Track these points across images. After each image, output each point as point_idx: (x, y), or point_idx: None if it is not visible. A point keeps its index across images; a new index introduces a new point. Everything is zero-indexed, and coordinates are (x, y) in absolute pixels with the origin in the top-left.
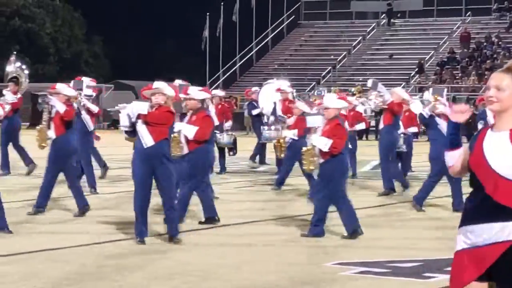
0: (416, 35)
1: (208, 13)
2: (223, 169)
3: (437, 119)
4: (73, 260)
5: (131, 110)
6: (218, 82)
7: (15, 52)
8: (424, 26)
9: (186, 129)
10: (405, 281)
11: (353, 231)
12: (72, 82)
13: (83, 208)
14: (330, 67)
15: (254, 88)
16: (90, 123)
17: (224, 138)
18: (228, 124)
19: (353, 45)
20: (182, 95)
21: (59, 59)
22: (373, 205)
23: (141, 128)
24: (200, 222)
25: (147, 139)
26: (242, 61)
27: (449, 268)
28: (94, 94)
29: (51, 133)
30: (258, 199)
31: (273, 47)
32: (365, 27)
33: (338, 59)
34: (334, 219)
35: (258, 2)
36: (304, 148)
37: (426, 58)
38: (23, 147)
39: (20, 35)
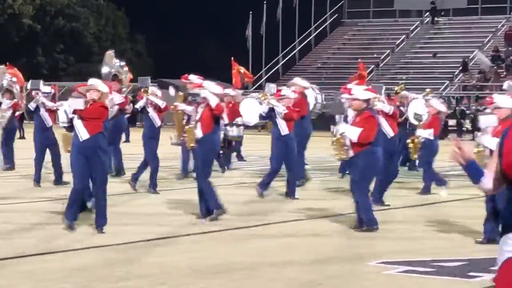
0: (460, 33)
1: (251, 12)
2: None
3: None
4: (117, 256)
5: (67, 106)
6: (261, 81)
7: (112, 50)
8: (468, 24)
9: (349, 131)
10: (449, 280)
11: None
12: (30, 82)
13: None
14: (373, 66)
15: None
16: (49, 120)
17: (234, 131)
18: (239, 119)
19: (396, 43)
20: (346, 96)
21: (103, 58)
22: (416, 204)
23: (77, 122)
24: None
25: (82, 133)
26: (285, 59)
27: (494, 268)
28: (53, 91)
29: (199, 133)
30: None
31: (316, 46)
32: (408, 25)
33: (382, 58)
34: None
35: (301, 0)
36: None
37: (470, 57)
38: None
39: (64, 34)
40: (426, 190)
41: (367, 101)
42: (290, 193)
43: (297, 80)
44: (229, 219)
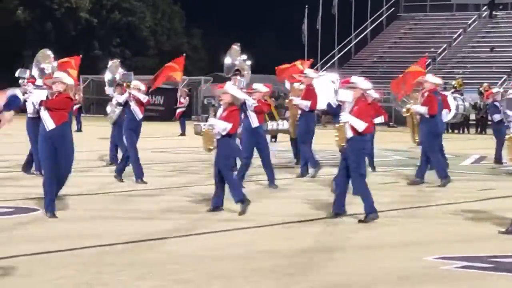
0: None
1: (307, 6)
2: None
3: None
4: (172, 250)
5: (34, 98)
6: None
7: (238, 44)
8: None
9: None
10: (508, 276)
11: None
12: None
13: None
14: (430, 60)
15: (495, 90)
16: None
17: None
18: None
19: (453, 37)
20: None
21: (159, 52)
22: (473, 199)
23: (44, 113)
24: None
25: (49, 123)
26: (341, 54)
27: None
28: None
29: (349, 132)
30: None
31: (372, 40)
32: (466, 19)
33: (438, 52)
34: (431, 216)
35: None
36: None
37: None
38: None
39: (120, 28)
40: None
41: None
42: (271, 182)
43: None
44: (281, 212)
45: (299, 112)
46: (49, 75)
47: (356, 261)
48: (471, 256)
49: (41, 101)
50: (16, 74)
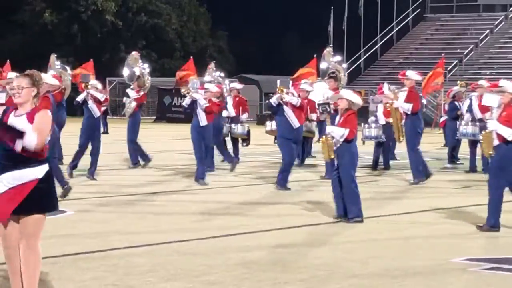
0: None
1: (332, 7)
2: (236, 158)
3: (284, 107)
4: (200, 252)
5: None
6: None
7: (331, 46)
8: None
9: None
10: None
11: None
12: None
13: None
14: (456, 61)
15: (456, 88)
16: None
17: (238, 129)
18: (244, 116)
19: (480, 38)
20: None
21: (185, 54)
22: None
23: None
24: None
25: None
26: (367, 55)
27: None
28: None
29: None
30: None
31: (398, 41)
32: (493, 20)
33: (465, 53)
34: (459, 216)
35: None
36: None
37: None
38: None
39: (146, 30)
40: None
41: None
42: (198, 177)
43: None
44: (308, 213)
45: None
46: (138, 78)
47: (382, 262)
48: (499, 257)
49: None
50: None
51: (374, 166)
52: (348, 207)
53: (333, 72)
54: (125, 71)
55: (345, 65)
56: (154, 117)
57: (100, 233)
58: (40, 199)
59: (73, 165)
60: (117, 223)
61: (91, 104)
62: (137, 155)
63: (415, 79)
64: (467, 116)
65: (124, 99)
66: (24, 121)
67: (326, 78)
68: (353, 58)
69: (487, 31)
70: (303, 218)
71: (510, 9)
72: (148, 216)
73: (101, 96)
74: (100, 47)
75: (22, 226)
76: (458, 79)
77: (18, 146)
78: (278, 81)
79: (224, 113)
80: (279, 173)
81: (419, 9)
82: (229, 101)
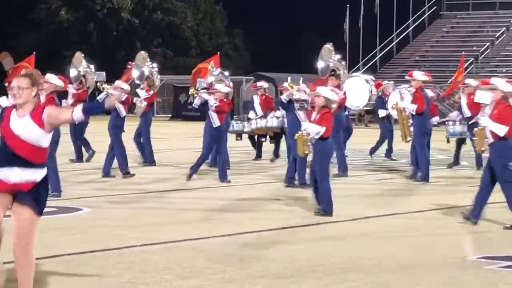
0: None
1: (348, 5)
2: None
3: (295, 104)
4: (215, 249)
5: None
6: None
7: (330, 43)
8: None
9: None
10: None
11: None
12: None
13: None
14: (472, 59)
15: (385, 82)
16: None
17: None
18: (271, 115)
19: (496, 36)
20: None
21: (201, 52)
22: None
23: None
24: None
25: None
26: (383, 52)
27: None
28: None
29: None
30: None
31: (414, 39)
32: (509, 17)
33: (481, 50)
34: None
35: None
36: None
37: None
38: None
39: (162, 28)
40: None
41: None
42: (221, 177)
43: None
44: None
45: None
46: (148, 78)
47: (398, 260)
48: None
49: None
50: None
51: (455, 162)
52: (320, 201)
53: (334, 70)
54: (135, 72)
55: (360, 64)
56: (170, 115)
57: (116, 231)
58: (35, 200)
59: (107, 171)
60: (133, 221)
61: (117, 104)
62: (152, 154)
63: (421, 80)
64: (455, 114)
65: (135, 99)
66: (29, 121)
67: (326, 76)
68: (369, 56)
69: (503, 28)
70: (317, 216)
71: None
72: (163, 213)
73: (122, 96)
74: (116, 45)
75: (17, 224)
76: (474, 77)
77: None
78: (289, 78)
79: (251, 114)
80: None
81: (435, 7)
82: (256, 100)
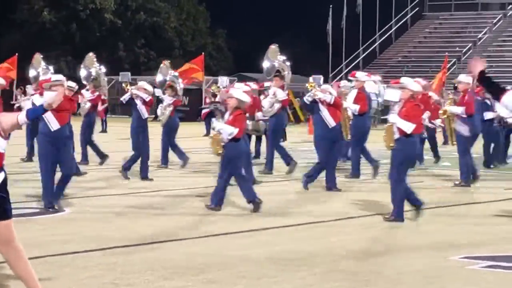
0: None
1: (331, 6)
2: (257, 155)
3: (319, 105)
4: (198, 250)
5: (37, 99)
6: (341, 75)
7: (276, 44)
8: None
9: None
10: None
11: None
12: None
13: None
14: (455, 59)
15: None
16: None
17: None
18: (259, 114)
19: (478, 36)
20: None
21: (184, 52)
22: (500, 199)
23: (48, 114)
24: None
25: (53, 124)
26: (365, 53)
27: None
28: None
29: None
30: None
31: (397, 39)
32: (491, 18)
33: (463, 51)
34: (455, 215)
35: None
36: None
37: None
38: None
39: (145, 29)
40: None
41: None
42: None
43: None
44: (306, 211)
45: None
46: (95, 79)
47: (381, 260)
48: (497, 255)
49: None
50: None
51: (488, 164)
52: (212, 198)
53: (278, 71)
54: (82, 72)
55: (343, 64)
56: (153, 116)
57: (99, 232)
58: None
59: (127, 166)
60: (115, 221)
61: (139, 105)
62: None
63: (364, 80)
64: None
65: (159, 109)
66: None
67: (271, 77)
68: (352, 57)
69: (486, 29)
70: (301, 216)
71: (509, 7)
72: (146, 214)
73: (146, 97)
74: (99, 46)
75: None
76: (457, 77)
77: None
78: (311, 78)
79: (259, 114)
80: (312, 172)
81: (417, 8)
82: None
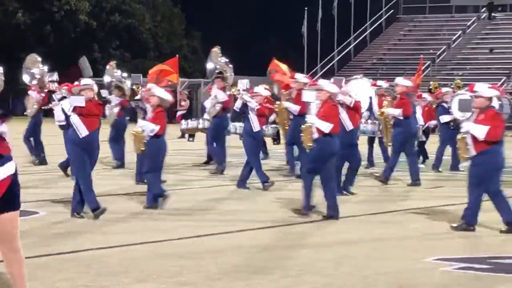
0: None
1: (306, 8)
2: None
3: (339, 107)
4: (173, 252)
5: (67, 104)
6: (316, 77)
7: (218, 47)
8: None
9: (475, 129)
10: (507, 277)
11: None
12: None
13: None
14: (429, 62)
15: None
16: None
17: (269, 130)
18: (272, 117)
19: (452, 39)
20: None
21: (159, 54)
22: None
23: (76, 120)
24: None
25: (81, 130)
26: (340, 55)
27: None
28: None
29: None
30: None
31: (372, 42)
32: (465, 21)
33: (438, 54)
34: (430, 216)
35: None
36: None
37: None
38: None
39: (120, 30)
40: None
41: (490, 98)
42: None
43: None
44: (280, 214)
45: (290, 116)
46: (39, 80)
47: (355, 262)
48: (470, 257)
49: (75, 107)
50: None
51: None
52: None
53: (221, 72)
54: (25, 76)
55: (318, 67)
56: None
57: (72, 234)
58: (14, 196)
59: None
60: (89, 224)
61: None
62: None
63: (303, 82)
64: (365, 114)
65: (107, 110)
66: None
67: (213, 77)
68: (326, 59)
69: (460, 31)
70: (275, 218)
71: (482, 10)
72: (120, 217)
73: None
74: (73, 48)
75: None
76: (431, 79)
77: None
78: (333, 79)
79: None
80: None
81: (392, 10)
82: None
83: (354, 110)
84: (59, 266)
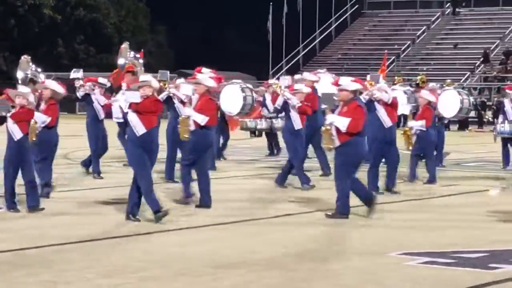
0: (482, 24)
1: (271, 3)
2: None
3: (376, 104)
4: (137, 247)
5: (123, 100)
6: (281, 72)
7: (127, 42)
8: (489, 15)
9: (338, 121)
10: (470, 271)
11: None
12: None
13: None
14: (394, 57)
15: (271, 81)
16: (101, 112)
17: (280, 123)
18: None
19: (417, 34)
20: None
21: (119, 51)
22: (436, 195)
23: (133, 117)
24: None
25: (139, 128)
26: (306, 50)
27: None
28: (108, 84)
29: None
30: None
31: (337, 37)
32: (429, 16)
33: (402, 49)
34: (396, 211)
35: None
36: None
37: (492, 48)
38: None
39: (84, 25)
40: (431, 179)
41: (354, 92)
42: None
43: (306, 74)
44: (249, 208)
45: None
46: (31, 80)
47: (319, 256)
48: (435, 251)
49: (131, 104)
50: (71, 76)
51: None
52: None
53: (131, 67)
54: (19, 74)
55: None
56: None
57: (35, 229)
58: None
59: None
60: (52, 219)
61: (177, 104)
62: None
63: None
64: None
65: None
66: None
67: (123, 72)
68: (292, 54)
69: (424, 27)
70: (241, 214)
71: (447, 6)
72: (83, 212)
73: (184, 97)
74: (37, 42)
75: None
76: (395, 74)
77: None
78: (369, 76)
79: (264, 111)
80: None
81: (357, 5)
82: (268, 97)
83: (391, 106)
84: (23, 262)
